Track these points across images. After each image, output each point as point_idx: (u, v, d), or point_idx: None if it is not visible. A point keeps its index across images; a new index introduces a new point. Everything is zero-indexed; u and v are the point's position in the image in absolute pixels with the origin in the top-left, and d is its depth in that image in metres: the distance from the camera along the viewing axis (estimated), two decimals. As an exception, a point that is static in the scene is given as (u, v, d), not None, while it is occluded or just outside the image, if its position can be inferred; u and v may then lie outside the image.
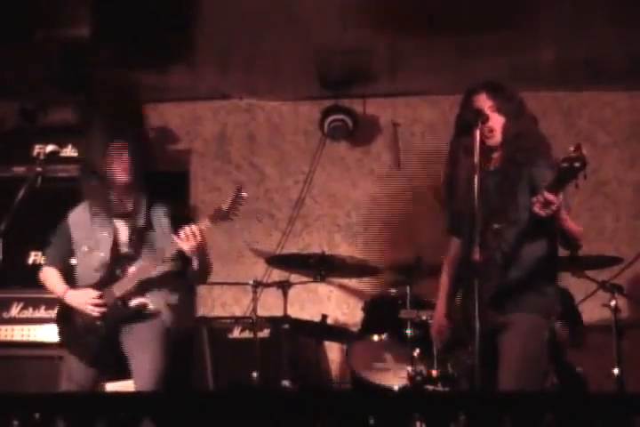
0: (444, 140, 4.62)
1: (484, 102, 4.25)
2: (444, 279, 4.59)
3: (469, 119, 4.16)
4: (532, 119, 4.35)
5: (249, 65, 6.97)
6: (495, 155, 4.31)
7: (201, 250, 4.77)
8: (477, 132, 4.07)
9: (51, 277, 5.04)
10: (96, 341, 4.84)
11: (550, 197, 3.73)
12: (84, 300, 4.82)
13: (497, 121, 4.25)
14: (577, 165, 3.63)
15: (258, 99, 7.66)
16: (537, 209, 3.79)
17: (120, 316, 4.84)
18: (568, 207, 4.01)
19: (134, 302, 4.84)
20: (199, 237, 4.68)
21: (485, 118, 4.18)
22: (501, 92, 4.29)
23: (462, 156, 4.30)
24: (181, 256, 4.85)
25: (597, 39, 6.29)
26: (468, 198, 4.13)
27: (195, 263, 4.85)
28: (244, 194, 4.83)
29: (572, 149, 3.68)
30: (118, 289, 4.82)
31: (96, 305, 4.80)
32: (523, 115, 4.31)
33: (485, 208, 4.08)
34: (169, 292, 4.93)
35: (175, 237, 4.71)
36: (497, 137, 4.26)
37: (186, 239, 4.67)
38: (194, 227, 4.69)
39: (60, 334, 4.99)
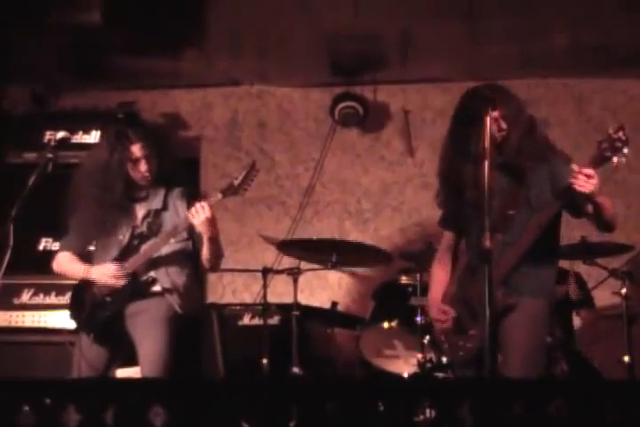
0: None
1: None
2: (437, 269, 4.59)
3: (478, 106, 4.15)
4: (531, 121, 4.37)
5: (260, 51, 6.97)
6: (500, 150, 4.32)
7: (211, 225, 4.77)
8: (488, 118, 4.06)
9: (68, 260, 5.06)
10: (105, 315, 4.85)
11: (590, 171, 3.89)
12: (105, 272, 4.85)
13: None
14: (618, 145, 3.92)
15: (269, 85, 7.66)
16: (579, 186, 3.90)
17: (129, 290, 4.86)
18: None
19: (144, 278, 4.88)
20: (208, 212, 4.70)
21: (494, 105, 4.17)
22: (504, 96, 4.30)
23: (462, 146, 4.32)
24: (192, 235, 4.89)
25: (610, 26, 6.26)
26: (474, 187, 4.14)
27: (205, 246, 4.85)
28: (257, 169, 4.85)
29: (611, 131, 3.94)
30: (130, 265, 4.86)
31: (116, 276, 4.84)
32: (522, 116, 4.31)
33: (496, 195, 4.11)
34: (178, 272, 4.94)
35: (187, 212, 4.75)
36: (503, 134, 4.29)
37: (195, 214, 4.70)
38: (202, 202, 4.72)
39: (72, 314, 5.02)
